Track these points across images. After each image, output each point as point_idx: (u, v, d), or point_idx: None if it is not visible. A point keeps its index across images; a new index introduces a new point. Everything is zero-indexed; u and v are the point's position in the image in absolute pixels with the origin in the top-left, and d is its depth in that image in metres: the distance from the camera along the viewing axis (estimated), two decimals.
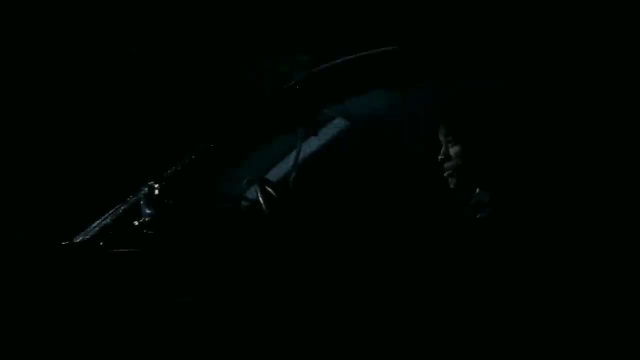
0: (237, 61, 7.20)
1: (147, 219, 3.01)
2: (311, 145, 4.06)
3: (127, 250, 3.03)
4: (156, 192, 2.97)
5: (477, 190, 3.38)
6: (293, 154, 3.92)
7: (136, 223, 3.07)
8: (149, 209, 3.00)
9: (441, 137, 3.38)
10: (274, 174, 3.97)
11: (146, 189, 2.99)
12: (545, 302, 2.98)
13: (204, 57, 7.05)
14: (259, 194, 3.43)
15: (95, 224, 3.21)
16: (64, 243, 3.17)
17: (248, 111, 3.17)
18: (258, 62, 7.35)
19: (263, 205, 3.44)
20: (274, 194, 3.49)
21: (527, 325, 2.97)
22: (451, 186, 3.37)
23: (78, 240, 3.16)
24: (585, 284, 2.99)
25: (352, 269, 3.00)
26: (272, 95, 3.20)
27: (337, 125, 4.11)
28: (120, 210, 3.15)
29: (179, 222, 2.99)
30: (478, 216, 3.31)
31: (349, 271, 3.00)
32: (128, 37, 6.79)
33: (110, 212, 3.21)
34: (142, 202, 3.02)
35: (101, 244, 3.10)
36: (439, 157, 3.36)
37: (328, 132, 4.08)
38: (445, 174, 3.36)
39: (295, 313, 2.96)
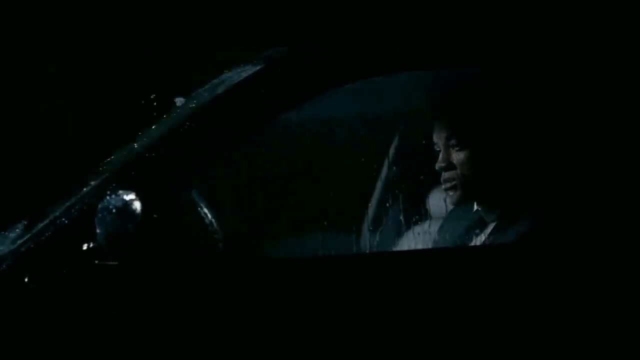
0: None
1: (108, 240, 2.11)
2: None
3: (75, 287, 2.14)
4: (136, 204, 2.07)
5: (475, 206, 2.78)
6: None
7: (85, 248, 2.16)
8: (114, 227, 2.09)
9: (438, 140, 2.73)
10: None
11: (117, 201, 2.08)
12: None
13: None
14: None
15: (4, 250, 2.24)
16: None
17: (233, 99, 2.38)
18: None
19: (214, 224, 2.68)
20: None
21: None
22: (452, 200, 2.74)
23: None
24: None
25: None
26: (253, 79, 2.43)
27: None
28: (53, 231, 2.20)
29: (169, 240, 2.13)
30: (484, 240, 2.71)
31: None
32: None
33: (28, 233, 2.25)
34: (101, 217, 2.10)
35: (26, 280, 2.16)
36: (437, 164, 2.71)
37: None
38: (445, 186, 2.72)
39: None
